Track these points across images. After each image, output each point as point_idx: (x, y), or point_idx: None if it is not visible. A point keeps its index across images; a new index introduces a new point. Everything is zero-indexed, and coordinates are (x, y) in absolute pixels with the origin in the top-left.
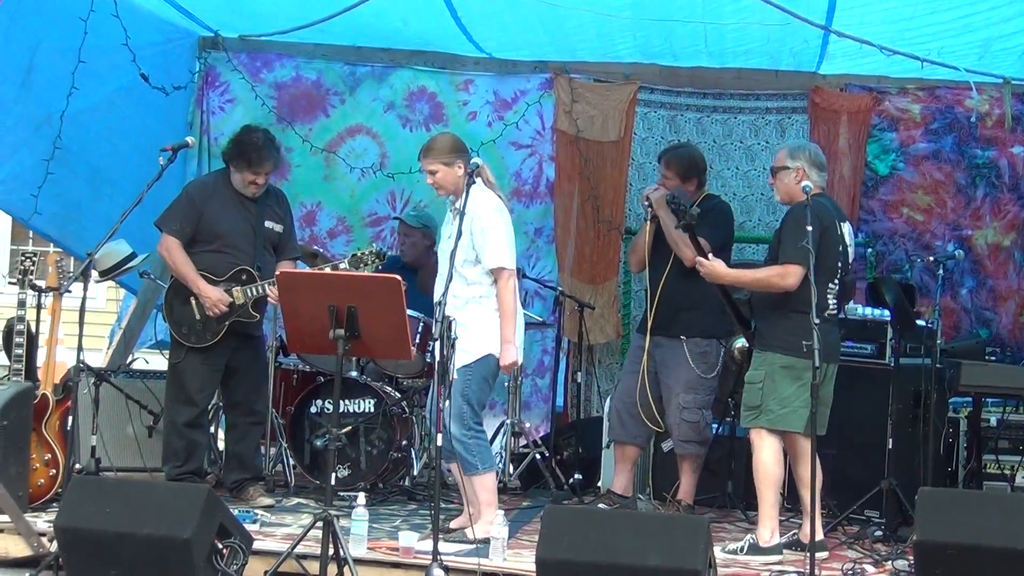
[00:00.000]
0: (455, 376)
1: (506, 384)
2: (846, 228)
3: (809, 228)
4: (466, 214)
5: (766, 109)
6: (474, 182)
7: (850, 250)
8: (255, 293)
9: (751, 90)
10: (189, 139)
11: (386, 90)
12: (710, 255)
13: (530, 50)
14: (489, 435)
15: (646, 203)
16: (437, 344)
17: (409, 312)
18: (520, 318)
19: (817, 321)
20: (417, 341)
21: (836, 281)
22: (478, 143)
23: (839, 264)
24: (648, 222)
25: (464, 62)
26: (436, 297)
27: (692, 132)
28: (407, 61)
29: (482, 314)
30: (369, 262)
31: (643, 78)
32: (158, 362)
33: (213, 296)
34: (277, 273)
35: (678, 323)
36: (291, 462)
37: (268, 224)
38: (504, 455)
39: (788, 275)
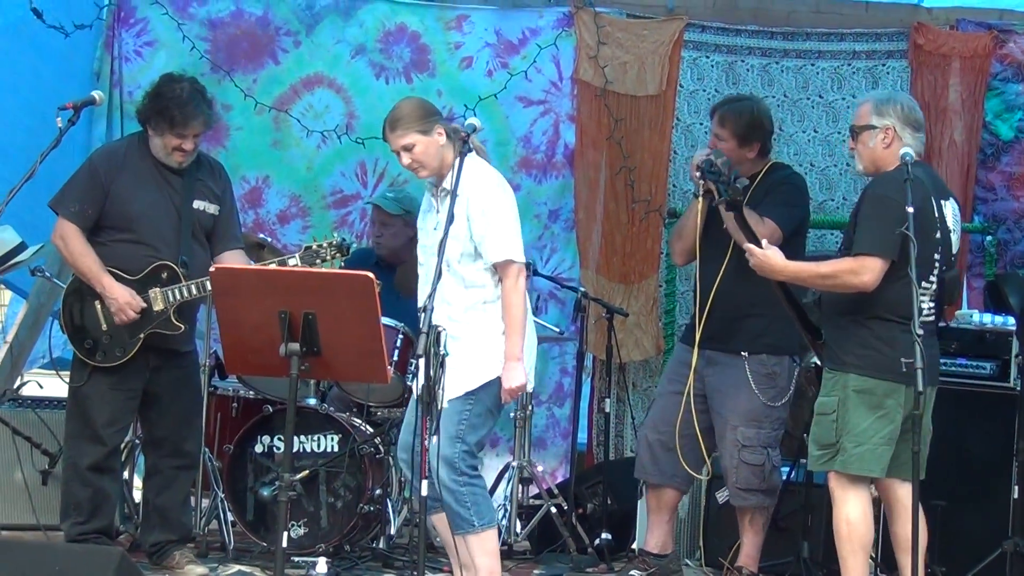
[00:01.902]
0: (445, 404)
1: (512, 414)
2: (949, 208)
3: (910, 209)
4: (459, 194)
5: (853, 53)
6: (469, 150)
7: (954, 237)
8: (179, 296)
9: (834, 28)
10: (96, 94)
11: (354, 29)
12: (764, 242)
13: None
14: (490, 482)
15: (696, 174)
16: (421, 363)
17: (385, 321)
18: (531, 328)
19: (921, 332)
20: (395, 359)
21: (932, 278)
22: (475, 98)
23: (936, 256)
24: (698, 199)
25: None
26: (420, 302)
27: (756, 83)
28: None
29: (486, 325)
30: (327, 257)
31: (692, 12)
32: (55, 387)
33: (120, 297)
34: (212, 268)
35: (738, 334)
36: (230, 518)
37: (198, 204)
38: (509, 508)
39: (863, 270)
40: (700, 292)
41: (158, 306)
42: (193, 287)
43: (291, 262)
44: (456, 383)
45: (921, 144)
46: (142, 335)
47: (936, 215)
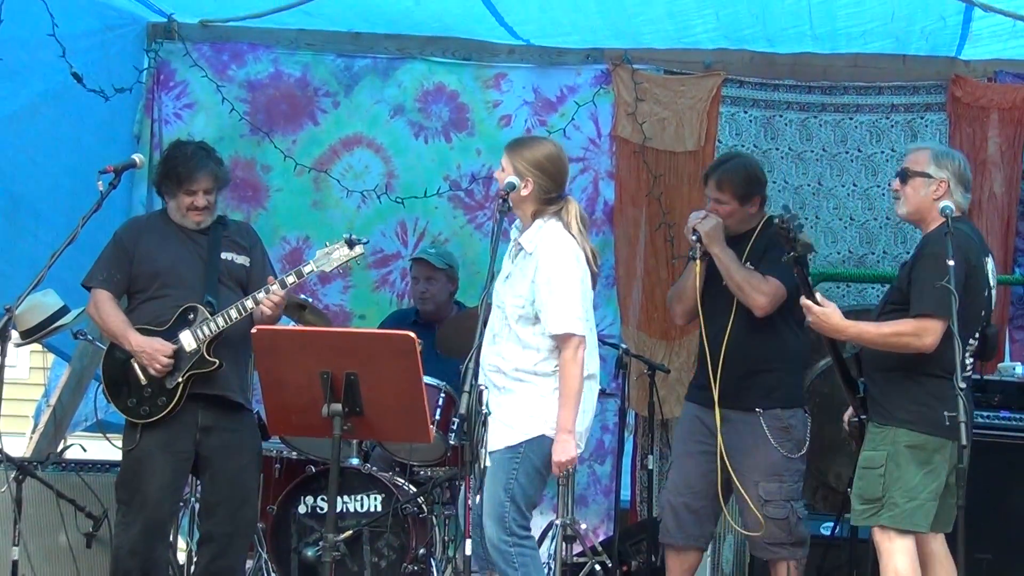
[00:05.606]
0: (488, 463)
1: None
2: (990, 265)
3: (951, 263)
4: (531, 254)
5: (891, 106)
6: (508, 209)
7: (993, 292)
8: (208, 332)
9: (871, 82)
10: (136, 157)
11: (393, 89)
12: (821, 297)
13: (580, 35)
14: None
15: (693, 237)
16: (463, 422)
17: (427, 380)
18: (589, 392)
19: (963, 386)
20: (438, 418)
21: (977, 336)
22: None
23: (983, 313)
24: (696, 261)
25: (494, 51)
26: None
27: (794, 138)
28: (420, 51)
29: (538, 387)
30: (341, 259)
31: (730, 68)
32: (99, 449)
33: (148, 347)
34: (254, 330)
35: (752, 391)
36: None
37: (226, 256)
38: (553, 566)
39: (926, 333)
40: (709, 351)
41: (191, 346)
42: (220, 319)
43: (306, 269)
44: (500, 435)
45: (968, 203)
46: (181, 378)
47: (985, 272)
